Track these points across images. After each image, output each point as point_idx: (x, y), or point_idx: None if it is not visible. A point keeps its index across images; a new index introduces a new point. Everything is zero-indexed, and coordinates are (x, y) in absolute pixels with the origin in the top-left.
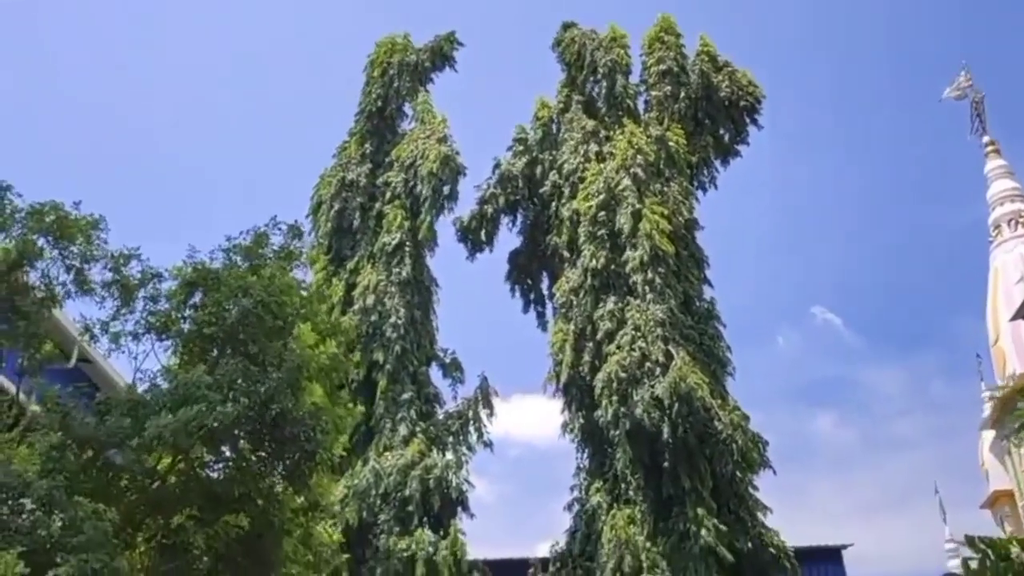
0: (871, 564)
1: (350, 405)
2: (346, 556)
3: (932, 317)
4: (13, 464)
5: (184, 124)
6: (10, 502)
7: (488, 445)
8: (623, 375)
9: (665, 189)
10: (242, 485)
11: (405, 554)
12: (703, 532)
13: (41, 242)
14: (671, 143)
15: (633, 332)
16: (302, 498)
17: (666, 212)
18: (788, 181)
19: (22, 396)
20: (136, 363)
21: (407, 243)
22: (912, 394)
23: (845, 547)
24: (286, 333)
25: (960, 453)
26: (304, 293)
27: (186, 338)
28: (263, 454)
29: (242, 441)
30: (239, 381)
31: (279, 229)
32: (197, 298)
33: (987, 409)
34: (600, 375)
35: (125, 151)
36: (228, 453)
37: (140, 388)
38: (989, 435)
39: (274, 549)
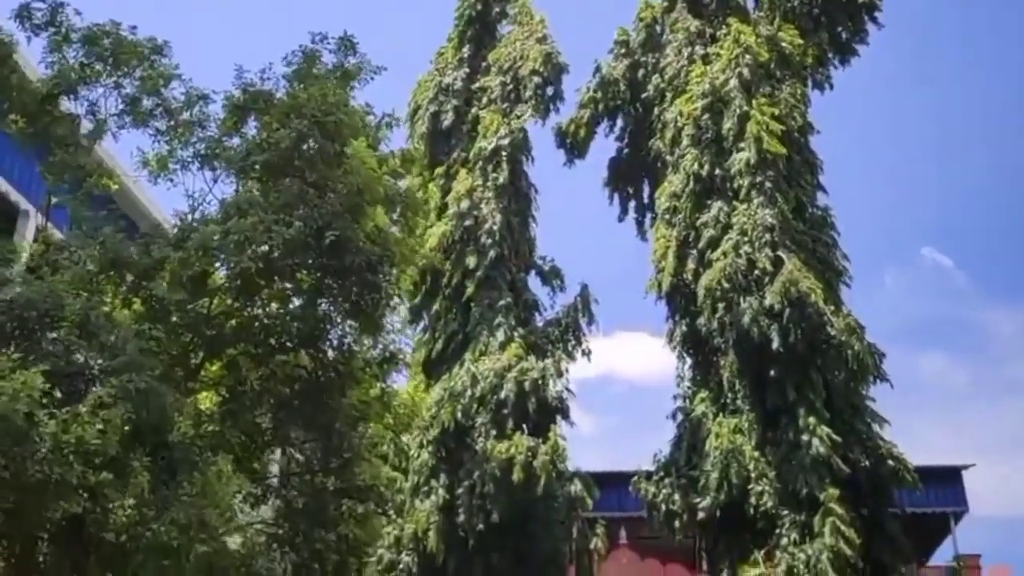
0: (987, 506)
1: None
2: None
3: None
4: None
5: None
6: (40, 323)
7: (587, 354)
8: (728, 283)
9: (776, 91)
10: (302, 322)
11: (503, 457)
12: (815, 441)
13: (98, 67)
14: (783, 43)
15: (739, 237)
16: (370, 342)
17: (777, 113)
18: (904, 98)
19: (55, 232)
20: (186, 192)
21: (504, 148)
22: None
23: (966, 467)
24: (344, 157)
25: None
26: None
27: (237, 167)
28: (325, 288)
29: (300, 274)
30: (295, 205)
31: (328, 46)
32: (250, 125)
33: None
34: (703, 282)
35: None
36: (287, 287)
37: (188, 219)
38: None
39: (338, 397)
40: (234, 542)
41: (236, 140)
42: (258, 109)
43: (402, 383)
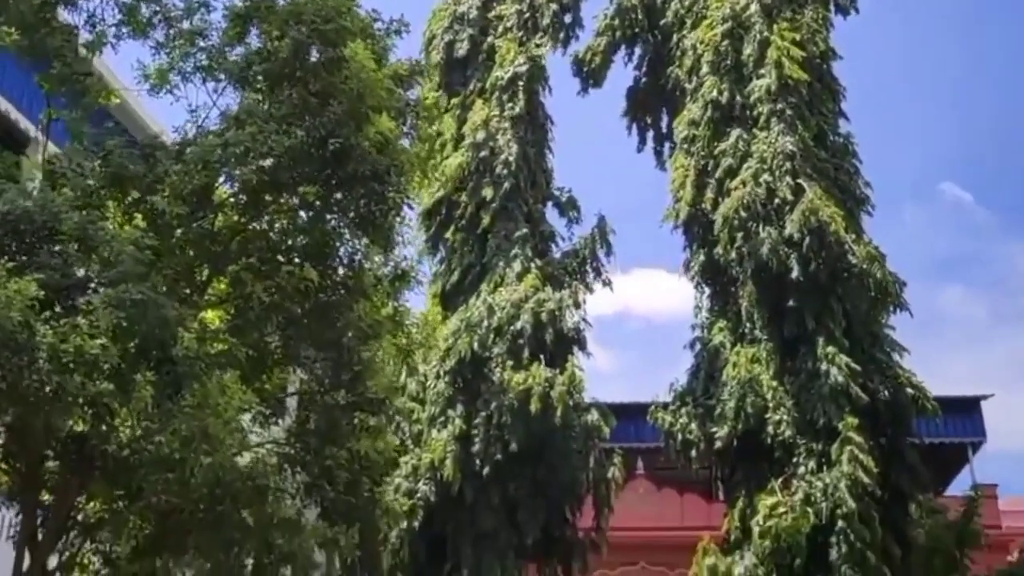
0: (1008, 438)
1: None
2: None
3: None
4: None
5: None
6: (37, 236)
7: (608, 284)
8: (746, 212)
9: (797, 16)
10: (308, 236)
11: (520, 388)
12: (833, 370)
13: None
14: None
15: (759, 165)
16: (381, 259)
17: (798, 38)
18: (928, 28)
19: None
20: (188, 106)
21: (521, 77)
22: None
23: (984, 398)
24: (345, 63)
25: None
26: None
27: (237, 77)
28: (331, 200)
29: (304, 187)
30: (297, 115)
31: None
32: (252, 34)
33: None
34: (721, 211)
35: None
36: (293, 201)
37: (190, 134)
38: None
39: (347, 313)
40: (243, 461)
41: (239, 50)
42: (259, 17)
43: (418, 305)
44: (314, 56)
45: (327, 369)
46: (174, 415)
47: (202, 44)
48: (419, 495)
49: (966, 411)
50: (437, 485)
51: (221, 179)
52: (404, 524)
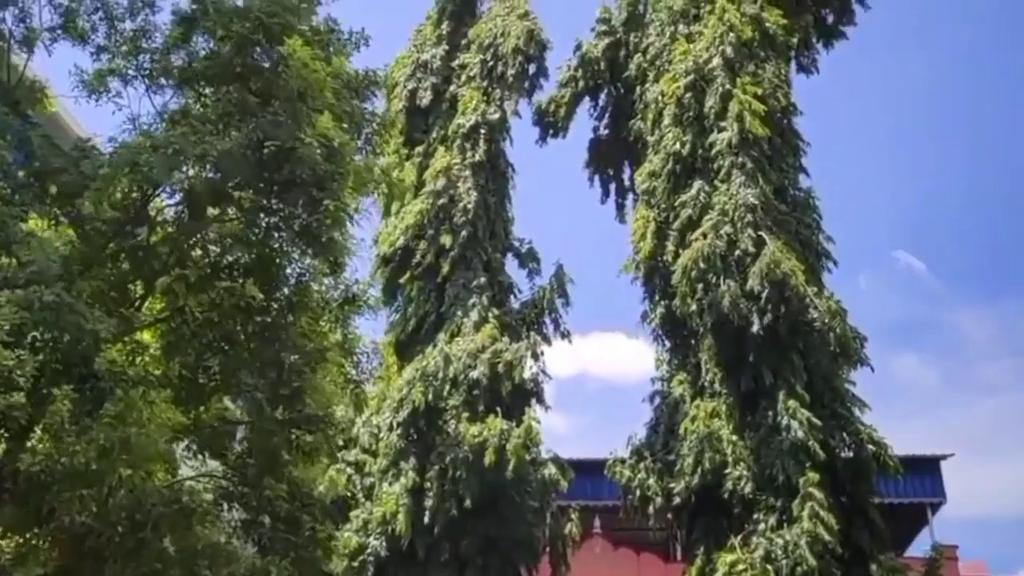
0: (964, 507)
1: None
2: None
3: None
4: None
5: None
6: None
7: (565, 336)
8: (706, 264)
9: (760, 71)
10: (245, 246)
11: (475, 440)
12: (794, 425)
13: None
14: (767, 22)
15: (719, 217)
16: (330, 281)
17: (760, 93)
18: (883, 91)
19: None
20: (130, 116)
21: (483, 126)
22: (1000, 339)
23: (944, 457)
24: (287, 61)
25: None
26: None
27: (179, 81)
28: (269, 207)
29: (242, 193)
30: (233, 114)
31: None
32: (198, 36)
33: None
34: (681, 262)
35: None
36: (233, 213)
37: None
38: None
39: (292, 332)
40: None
41: (183, 53)
42: (206, 17)
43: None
44: (256, 53)
45: (266, 390)
46: (92, 427)
47: (145, 46)
48: (369, 550)
49: (926, 471)
50: (388, 540)
51: (159, 190)
52: None
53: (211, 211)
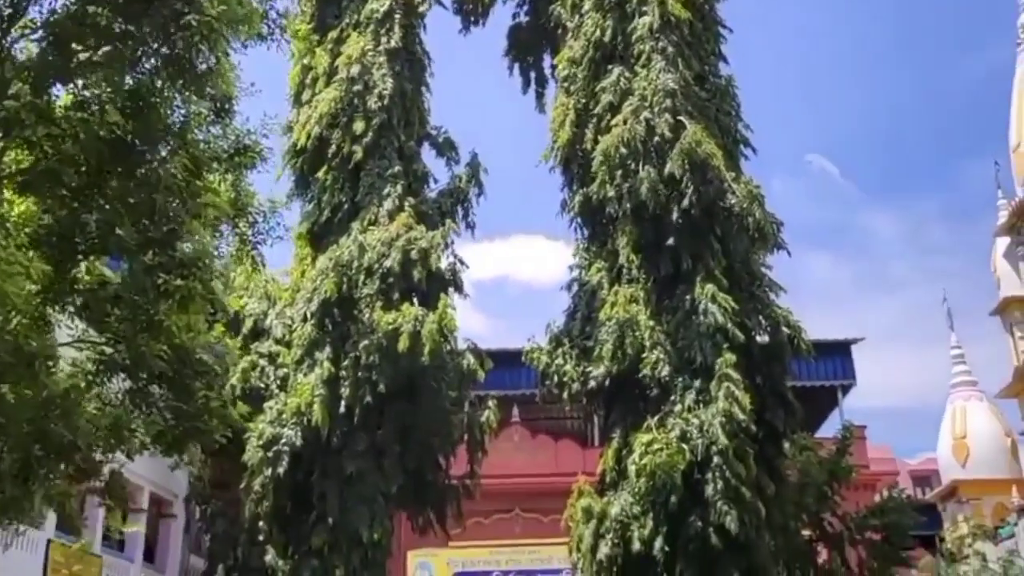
0: (870, 398)
1: None
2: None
3: (934, 165)
4: None
5: None
6: None
7: (471, 227)
8: (626, 149)
9: None
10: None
11: (389, 327)
12: (712, 308)
13: None
14: None
15: (639, 103)
16: (218, 130)
17: None
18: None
19: None
20: None
21: (397, 9)
22: (909, 239)
23: (854, 341)
24: None
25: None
26: None
27: None
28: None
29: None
30: None
31: None
32: None
33: (1002, 217)
34: (601, 147)
35: None
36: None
37: None
38: (1003, 243)
39: (166, 178)
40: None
41: None
42: None
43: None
44: None
45: (138, 238)
46: None
47: None
48: (284, 440)
49: (837, 355)
50: (303, 430)
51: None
52: (267, 471)
53: (76, 46)
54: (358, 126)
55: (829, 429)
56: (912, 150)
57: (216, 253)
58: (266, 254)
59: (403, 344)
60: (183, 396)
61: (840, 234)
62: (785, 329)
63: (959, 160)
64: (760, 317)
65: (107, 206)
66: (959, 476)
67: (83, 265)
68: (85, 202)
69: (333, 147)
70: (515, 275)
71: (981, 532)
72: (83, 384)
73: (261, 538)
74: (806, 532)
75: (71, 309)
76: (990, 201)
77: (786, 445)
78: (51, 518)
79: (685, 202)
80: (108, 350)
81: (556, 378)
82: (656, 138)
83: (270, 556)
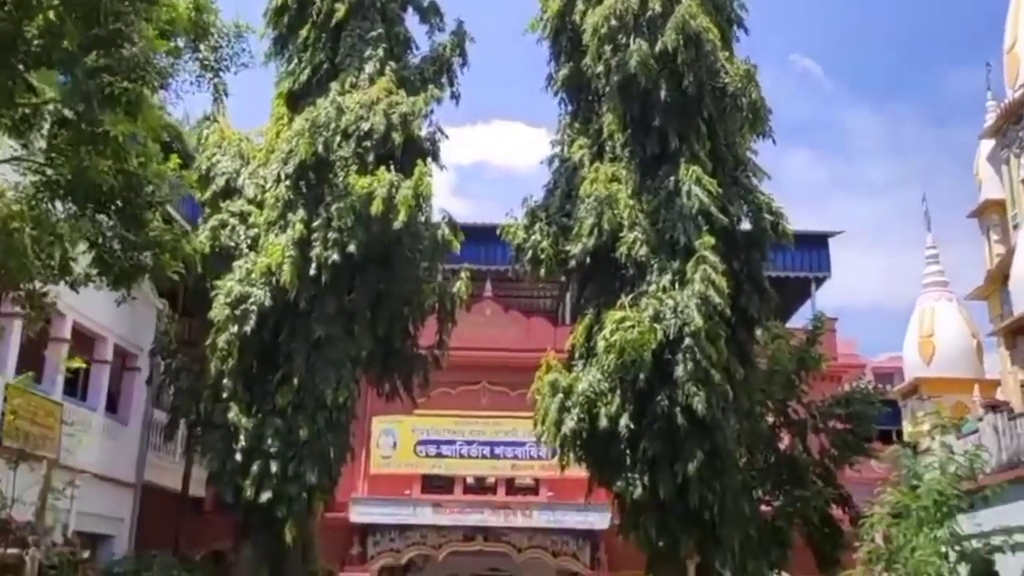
0: (839, 297)
1: None
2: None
3: (918, 70)
4: None
5: None
6: None
7: (456, 98)
8: (617, 22)
9: None
10: None
11: (364, 190)
12: (696, 190)
13: None
14: None
15: None
16: None
17: None
18: None
19: None
20: None
21: None
22: (887, 139)
23: (832, 234)
24: None
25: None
26: None
27: None
28: None
29: None
30: None
31: None
32: None
33: (989, 120)
34: (591, 20)
35: None
36: None
37: None
38: (987, 145)
39: None
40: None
41: None
42: None
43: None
44: None
45: (80, 39)
46: None
47: None
48: (252, 299)
49: (814, 246)
50: (272, 290)
51: None
52: (234, 329)
53: None
54: None
55: (800, 320)
56: (894, 50)
57: (173, 81)
58: (241, 114)
59: (376, 208)
60: (132, 226)
61: (820, 131)
62: (767, 215)
63: (944, 66)
64: (743, 202)
65: (50, 11)
66: (923, 374)
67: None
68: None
69: (316, 4)
70: (495, 160)
71: (948, 425)
72: (24, 209)
73: (225, 395)
74: (770, 418)
75: (7, 123)
76: (971, 108)
77: (758, 332)
78: (10, 363)
79: (679, 78)
80: (50, 171)
81: (531, 253)
82: (649, 12)
83: (233, 413)
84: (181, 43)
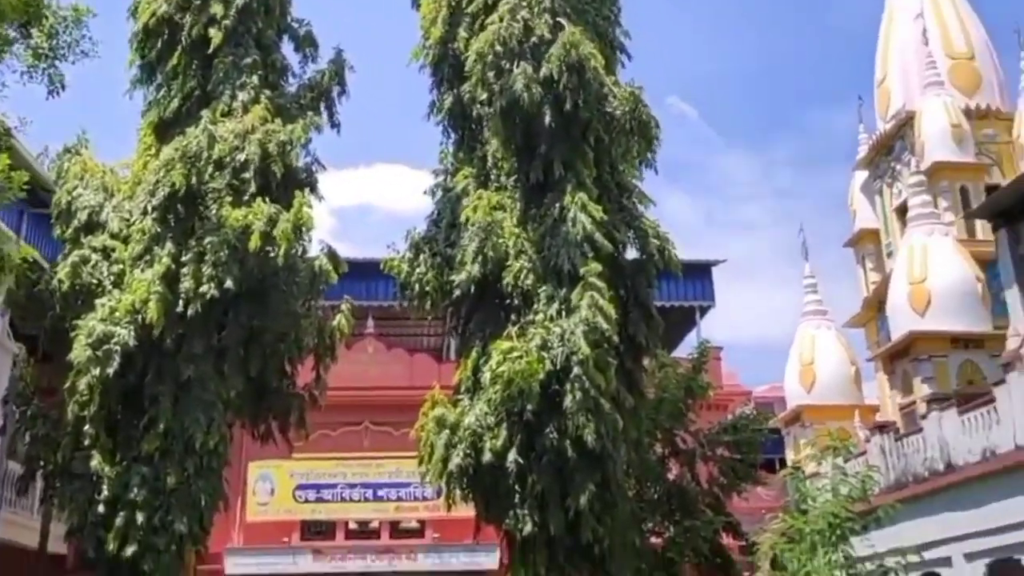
0: (719, 332)
1: None
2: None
3: (789, 111)
4: None
5: None
6: None
7: (336, 127)
8: (502, 48)
9: None
10: None
11: (239, 223)
12: (581, 217)
13: None
14: None
15: (516, 2)
16: None
17: None
18: None
19: None
20: None
21: None
22: (762, 182)
23: (715, 263)
24: None
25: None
26: None
27: None
28: None
29: None
30: None
31: None
32: None
33: (862, 152)
34: (475, 46)
35: None
36: None
37: None
38: (861, 176)
39: None
40: None
41: None
42: None
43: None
44: None
45: None
46: None
47: None
48: (116, 339)
49: (698, 276)
50: (137, 329)
51: None
52: (95, 371)
53: None
54: (216, 8)
55: (685, 350)
56: (770, 95)
57: None
58: (105, 145)
59: (254, 243)
60: None
61: (696, 175)
62: (654, 240)
63: (817, 108)
64: (629, 228)
65: None
66: (804, 402)
67: None
68: None
69: (185, 30)
70: (378, 203)
71: (839, 447)
72: None
73: (86, 443)
74: (659, 448)
75: None
76: (843, 147)
77: (646, 360)
78: None
79: (560, 105)
80: None
81: (416, 288)
82: (533, 39)
83: (95, 462)
84: (11, 31)
